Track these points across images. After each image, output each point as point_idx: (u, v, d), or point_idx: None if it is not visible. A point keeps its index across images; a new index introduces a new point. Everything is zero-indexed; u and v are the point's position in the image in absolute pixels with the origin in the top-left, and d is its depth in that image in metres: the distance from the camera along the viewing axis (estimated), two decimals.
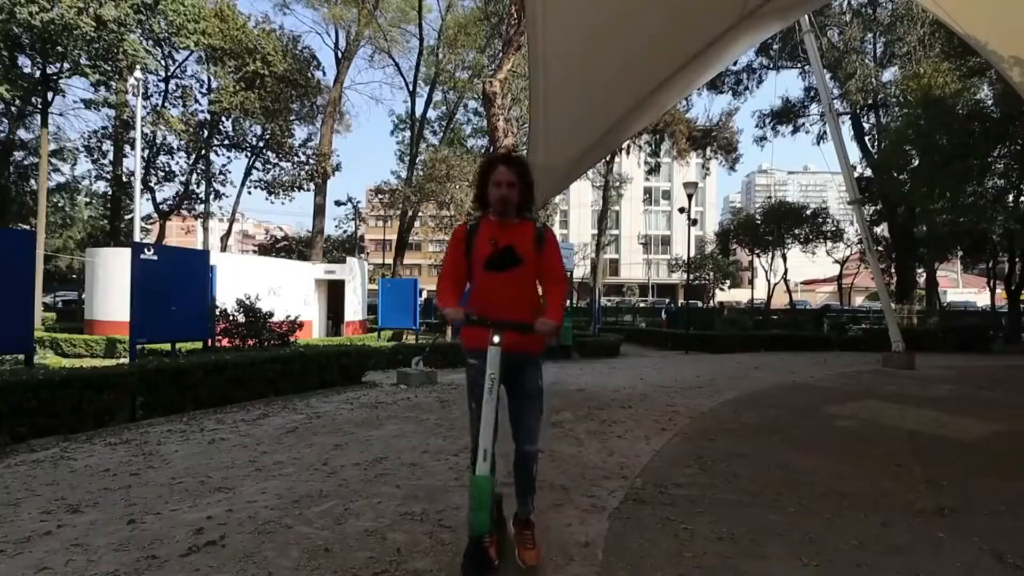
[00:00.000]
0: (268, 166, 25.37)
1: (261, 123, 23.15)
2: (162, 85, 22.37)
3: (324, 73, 24.92)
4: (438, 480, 3.68)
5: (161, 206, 24.07)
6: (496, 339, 2.22)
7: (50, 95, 18.72)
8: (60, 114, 21.82)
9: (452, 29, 23.33)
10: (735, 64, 22.36)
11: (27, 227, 21.04)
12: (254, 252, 36.19)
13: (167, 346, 8.71)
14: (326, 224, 26.50)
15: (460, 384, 8.11)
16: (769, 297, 27.29)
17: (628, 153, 25.86)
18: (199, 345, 9.40)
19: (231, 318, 9.78)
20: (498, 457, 2.40)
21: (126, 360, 8.04)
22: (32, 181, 22.59)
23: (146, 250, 7.93)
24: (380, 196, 26.85)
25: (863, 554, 2.64)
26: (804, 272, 43.99)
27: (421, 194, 18.93)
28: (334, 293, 19.09)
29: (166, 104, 22.31)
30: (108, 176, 23.15)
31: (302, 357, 7.32)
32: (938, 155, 13.29)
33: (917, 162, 14.90)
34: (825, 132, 21.93)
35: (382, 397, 6.91)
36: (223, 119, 22.98)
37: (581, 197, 58.61)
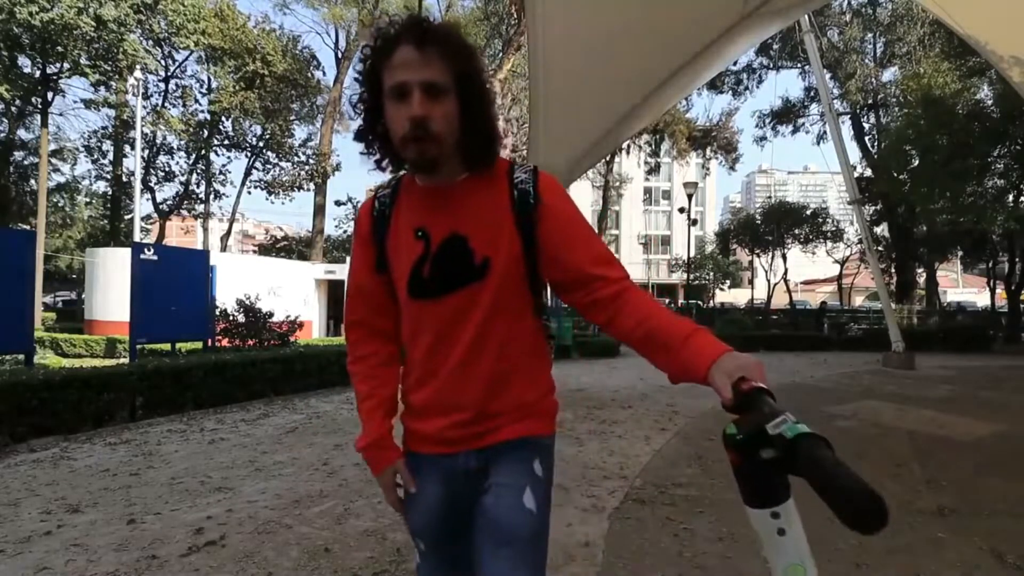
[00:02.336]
0: (268, 166, 25.39)
1: (261, 123, 23.17)
2: (162, 85, 22.39)
3: (324, 73, 25.00)
4: None
5: (161, 206, 24.07)
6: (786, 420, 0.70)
7: (50, 95, 18.73)
8: (60, 114, 21.94)
9: None
10: (735, 64, 22.34)
11: (27, 227, 21.03)
12: (254, 252, 36.20)
13: (167, 346, 8.72)
14: (326, 224, 26.51)
15: None
16: (769, 297, 27.31)
17: (628, 153, 25.87)
18: (199, 345, 9.41)
19: (231, 318, 9.79)
20: None
21: (126, 360, 8.05)
22: (32, 181, 22.58)
23: (146, 250, 7.94)
24: None
25: (863, 554, 2.64)
26: (804, 272, 44.02)
27: None
28: (334, 293, 19.10)
29: (166, 104, 22.33)
30: (108, 176, 23.16)
31: (302, 357, 7.32)
32: (938, 155, 13.27)
33: (917, 162, 14.90)
34: (825, 132, 21.93)
35: None
36: (223, 119, 22.99)
37: (581, 197, 58.63)
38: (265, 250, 33.79)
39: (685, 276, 26.45)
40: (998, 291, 24.10)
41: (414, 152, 0.99)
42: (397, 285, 1.10)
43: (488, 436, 1.07)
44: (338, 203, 36.33)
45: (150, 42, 19.85)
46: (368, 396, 1.14)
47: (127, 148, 22.19)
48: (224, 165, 25.75)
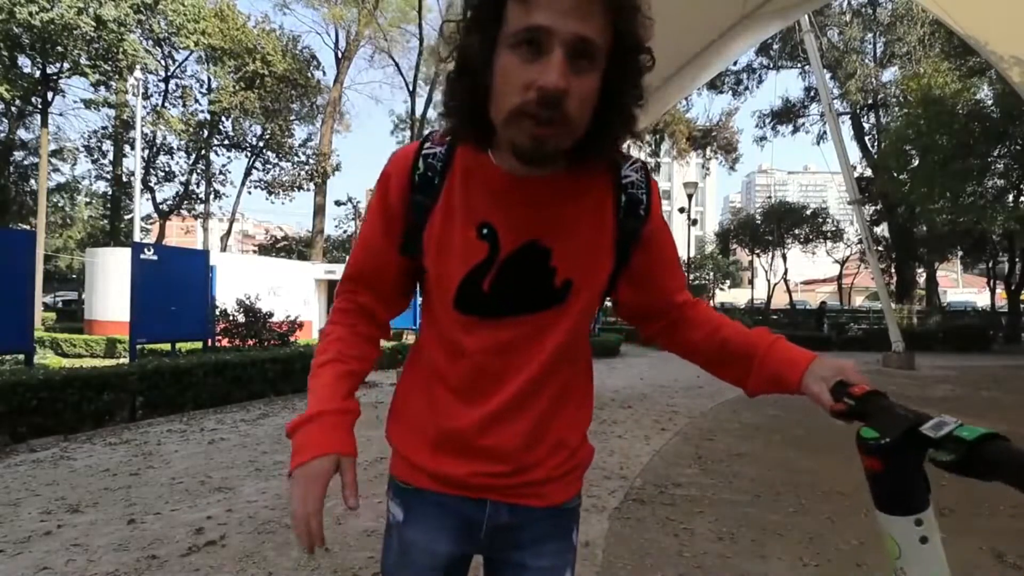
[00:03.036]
0: (268, 166, 25.40)
1: (261, 123, 23.17)
2: (162, 85, 22.38)
3: (324, 73, 24.98)
4: None
5: (161, 206, 24.08)
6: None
7: (50, 95, 18.73)
8: (60, 114, 21.84)
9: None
10: (735, 64, 22.39)
11: (27, 227, 21.03)
12: (254, 252, 36.21)
13: (167, 346, 8.71)
14: (326, 224, 26.54)
15: None
16: (769, 297, 27.34)
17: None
18: (199, 345, 9.41)
19: (231, 318, 9.79)
20: None
21: (126, 360, 8.05)
22: (32, 181, 22.59)
23: (146, 250, 7.92)
24: None
25: (863, 554, 2.64)
26: (804, 272, 44.03)
27: None
28: (334, 293, 19.15)
29: (166, 104, 22.33)
30: (108, 176, 23.16)
31: (302, 357, 7.32)
32: (938, 155, 13.29)
33: (917, 162, 14.92)
34: (825, 132, 21.95)
35: (382, 397, 6.90)
36: (223, 119, 22.99)
37: None
38: (265, 250, 33.81)
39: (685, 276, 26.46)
40: (998, 291, 24.12)
41: (528, 137, 0.68)
42: (436, 287, 0.82)
43: (529, 497, 0.86)
44: (338, 203, 36.34)
45: (150, 42, 19.84)
46: (336, 359, 0.83)
47: (127, 148, 22.19)
48: (224, 165, 25.77)
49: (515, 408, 0.82)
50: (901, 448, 0.61)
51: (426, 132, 0.85)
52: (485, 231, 0.79)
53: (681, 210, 22.40)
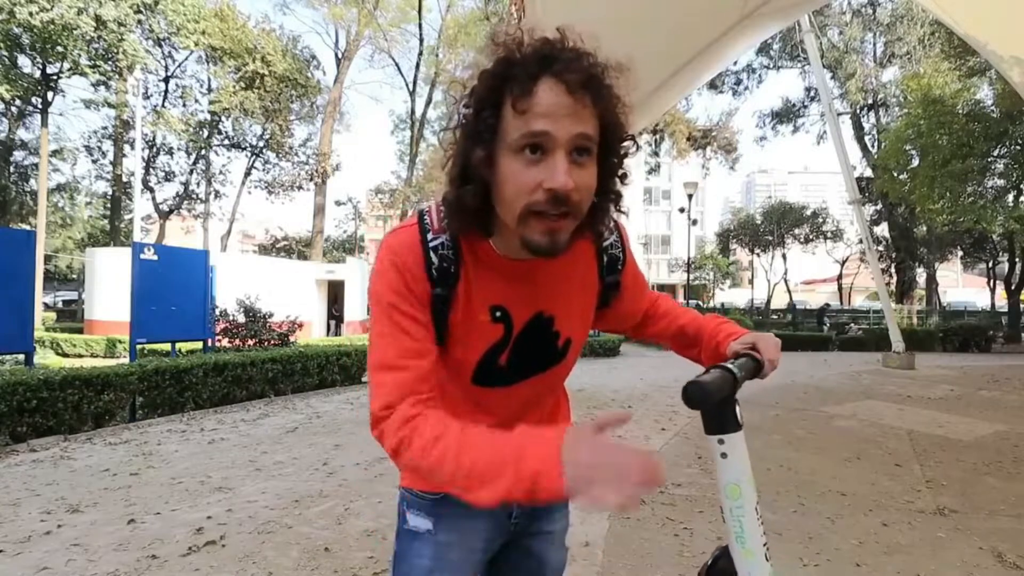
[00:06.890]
0: (268, 166, 25.41)
1: (261, 123, 23.18)
2: (162, 85, 22.39)
3: (324, 73, 25.02)
4: None
5: (161, 206, 24.09)
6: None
7: (50, 95, 18.73)
8: (60, 114, 21.92)
9: (452, 29, 23.41)
10: (735, 64, 22.42)
11: (27, 227, 21.03)
12: (254, 252, 36.19)
13: (167, 346, 8.70)
14: (326, 224, 26.57)
15: None
16: (769, 297, 27.34)
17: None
18: (199, 345, 9.40)
19: (231, 318, 9.78)
20: None
21: (126, 360, 8.05)
22: (32, 181, 22.60)
23: (146, 250, 7.92)
24: (380, 196, 26.91)
25: (863, 554, 2.64)
26: (805, 268, 44.01)
27: (421, 194, 18.98)
28: (334, 293, 19.12)
29: (166, 104, 22.33)
30: (108, 176, 23.17)
31: (302, 357, 7.32)
32: (938, 155, 13.29)
33: (917, 162, 14.93)
34: (825, 132, 21.95)
35: None
36: (223, 119, 23.00)
37: None
38: (265, 250, 33.81)
39: (685, 276, 26.46)
40: (998, 291, 24.13)
41: (542, 234, 0.73)
42: (453, 367, 0.88)
43: None
44: (338, 203, 36.38)
45: (150, 42, 19.86)
46: (485, 428, 0.72)
47: (127, 148, 22.20)
48: (224, 165, 25.77)
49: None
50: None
51: (420, 209, 0.87)
52: (498, 314, 0.86)
53: (681, 210, 22.41)
